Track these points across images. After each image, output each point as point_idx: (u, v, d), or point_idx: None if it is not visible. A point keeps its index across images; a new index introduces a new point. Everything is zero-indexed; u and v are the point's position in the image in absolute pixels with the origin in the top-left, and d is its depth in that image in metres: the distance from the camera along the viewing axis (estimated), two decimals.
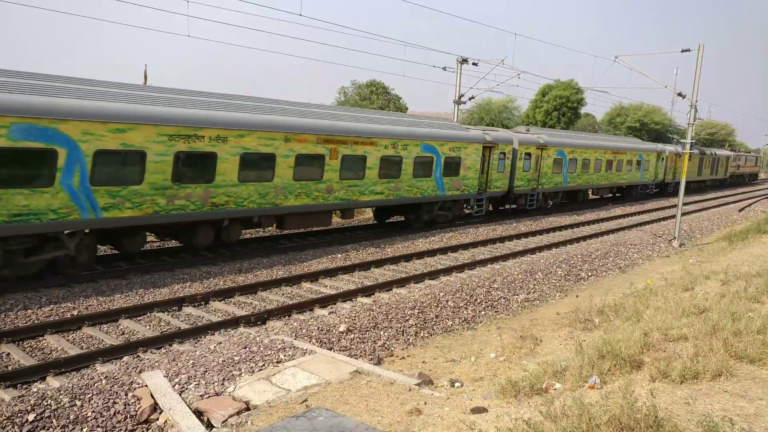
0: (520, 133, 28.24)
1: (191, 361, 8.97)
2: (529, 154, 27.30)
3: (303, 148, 16.82)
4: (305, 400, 7.61)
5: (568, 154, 30.11)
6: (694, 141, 23.89)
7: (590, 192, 35.99)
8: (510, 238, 22.14)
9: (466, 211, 25.54)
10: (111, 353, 9.49)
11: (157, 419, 7.57)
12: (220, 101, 15.59)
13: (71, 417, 7.39)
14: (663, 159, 42.38)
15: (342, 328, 11.22)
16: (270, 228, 19.87)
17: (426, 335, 12.08)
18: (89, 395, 7.82)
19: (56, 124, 11.80)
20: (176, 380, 8.36)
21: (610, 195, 38.74)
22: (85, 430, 7.27)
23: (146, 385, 8.14)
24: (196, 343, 10.38)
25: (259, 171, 15.83)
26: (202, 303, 12.45)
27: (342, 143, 18.01)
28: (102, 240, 14.66)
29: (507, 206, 28.50)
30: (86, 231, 13.32)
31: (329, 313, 12.20)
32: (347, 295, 13.34)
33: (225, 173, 14.95)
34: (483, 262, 17.63)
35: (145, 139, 13.23)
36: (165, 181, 13.77)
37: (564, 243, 21.86)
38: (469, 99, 30.76)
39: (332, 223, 20.33)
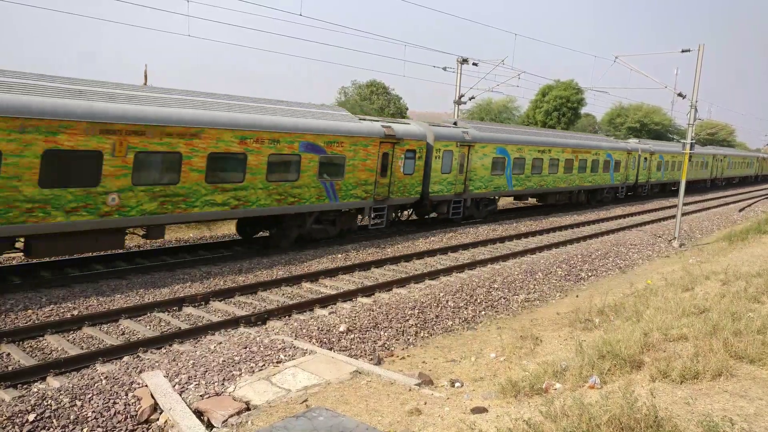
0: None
1: (191, 361, 8.97)
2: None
3: None
4: (305, 400, 7.61)
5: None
6: (694, 141, 23.93)
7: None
8: (510, 238, 22.14)
9: None
10: (111, 353, 9.50)
11: (158, 419, 7.57)
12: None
13: (71, 417, 7.39)
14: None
15: (342, 328, 11.22)
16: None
17: (426, 335, 12.08)
18: (89, 395, 7.82)
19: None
20: (176, 380, 8.36)
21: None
22: (85, 430, 7.28)
23: (146, 385, 8.14)
24: (196, 343, 10.38)
25: None
26: (202, 303, 12.45)
27: None
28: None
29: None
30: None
31: (329, 313, 12.20)
32: (347, 295, 13.35)
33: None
34: (483, 262, 17.64)
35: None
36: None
37: (564, 243, 21.86)
38: (470, 99, 30.80)
39: None
